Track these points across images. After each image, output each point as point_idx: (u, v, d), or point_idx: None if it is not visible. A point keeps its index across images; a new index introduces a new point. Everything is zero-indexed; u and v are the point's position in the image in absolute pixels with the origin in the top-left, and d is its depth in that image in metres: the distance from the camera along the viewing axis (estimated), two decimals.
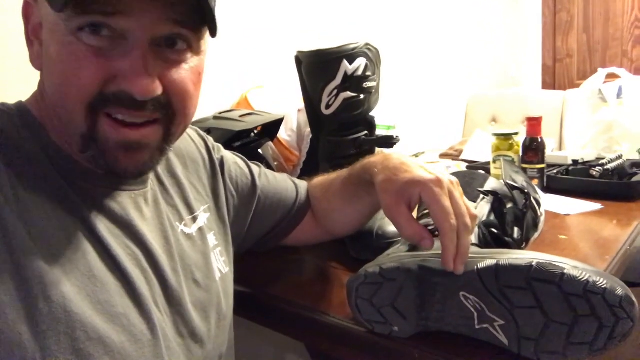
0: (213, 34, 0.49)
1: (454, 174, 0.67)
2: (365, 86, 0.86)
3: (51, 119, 0.48)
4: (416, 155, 1.79)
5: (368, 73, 0.86)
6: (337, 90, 0.86)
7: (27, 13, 0.49)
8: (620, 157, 1.20)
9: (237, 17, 1.35)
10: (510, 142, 1.17)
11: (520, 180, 0.77)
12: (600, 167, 1.15)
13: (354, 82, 0.85)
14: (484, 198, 0.68)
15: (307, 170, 1.02)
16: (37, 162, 0.46)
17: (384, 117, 1.17)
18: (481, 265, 0.51)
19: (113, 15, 0.43)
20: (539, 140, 1.15)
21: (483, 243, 0.61)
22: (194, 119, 0.98)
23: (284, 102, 1.14)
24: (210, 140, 0.72)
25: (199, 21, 0.47)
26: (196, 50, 0.50)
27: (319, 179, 0.79)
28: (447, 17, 2.42)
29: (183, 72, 0.48)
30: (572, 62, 3.12)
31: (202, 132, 0.72)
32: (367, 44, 0.87)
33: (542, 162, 1.15)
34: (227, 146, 0.79)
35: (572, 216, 0.97)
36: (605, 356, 0.49)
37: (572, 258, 0.49)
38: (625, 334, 0.46)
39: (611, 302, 0.45)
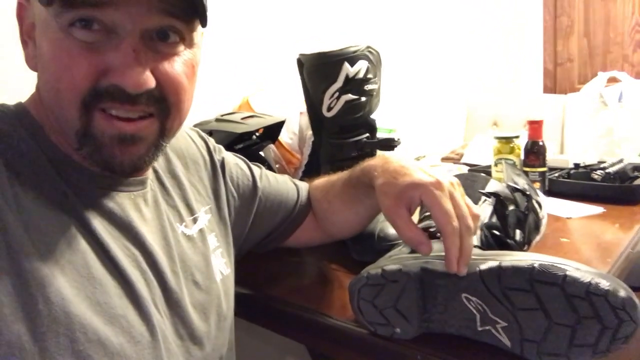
0: (203, 23, 0.48)
1: (455, 175, 0.67)
2: (367, 89, 0.86)
3: (49, 120, 0.48)
4: (417, 159, 1.79)
5: (369, 76, 0.86)
6: (339, 93, 0.86)
7: (21, 14, 0.49)
8: (621, 160, 1.20)
9: (239, 19, 1.36)
10: (512, 145, 1.17)
11: (521, 182, 0.77)
12: (601, 171, 1.14)
13: (355, 84, 0.85)
14: (485, 200, 0.68)
15: (309, 173, 1.02)
16: (37, 163, 0.46)
17: (385, 120, 1.18)
18: (483, 267, 0.51)
19: (101, 7, 0.43)
20: (540, 143, 1.15)
21: (485, 245, 0.61)
22: (196, 122, 0.99)
23: (286, 105, 1.14)
24: (211, 141, 0.72)
25: (189, 12, 0.47)
26: (189, 42, 0.50)
27: (320, 181, 0.79)
28: (448, 21, 2.43)
29: (176, 65, 0.48)
30: (573, 66, 3.12)
31: (203, 134, 0.72)
32: (368, 47, 0.87)
33: (544, 165, 1.15)
34: (229, 148, 0.79)
35: (573, 219, 0.97)
36: (608, 359, 0.49)
37: (575, 261, 0.49)
38: (628, 336, 0.45)
39: (614, 304, 0.45)
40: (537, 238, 0.75)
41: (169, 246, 0.55)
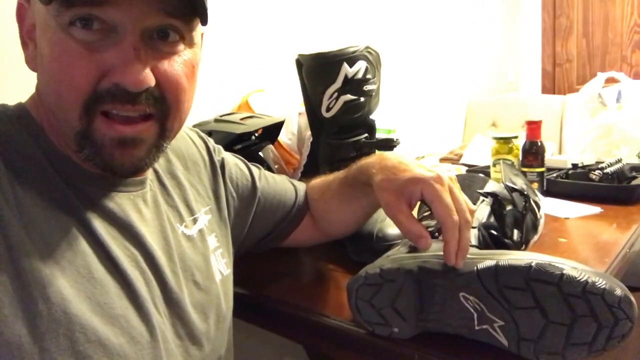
0: (204, 22, 0.49)
1: None
2: (366, 89, 0.87)
3: (49, 120, 0.49)
4: (416, 159, 1.79)
5: (368, 76, 0.86)
6: (338, 93, 0.86)
7: (21, 15, 0.49)
8: (619, 160, 1.21)
9: (238, 20, 1.36)
10: (510, 145, 1.18)
11: (519, 182, 0.77)
12: (599, 171, 1.15)
13: (354, 85, 0.86)
14: (483, 200, 0.68)
15: (308, 173, 1.02)
16: (37, 164, 0.46)
17: (384, 121, 1.18)
18: (481, 265, 0.51)
19: (101, 5, 0.43)
20: (539, 144, 1.15)
21: (483, 245, 0.61)
22: (195, 122, 1.00)
23: (285, 105, 1.14)
24: (211, 142, 0.72)
25: (189, 11, 0.47)
26: (189, 42, 0.50)
27: (317, 181, 0.79)
28: (447, 22, 2.43)
29: (176, 65, 0.48)
30: (572, 67, 3.13)
31: (203, 134, 0.72)
32: (367, 47, 0.87)
33: (542, 165, 1.15)
34: (228, 149, 0.80)
35: (571, 219, 0.97)
36: (605, 358, 0.49)
37: (572, 260, 0.49)
38: (624, 334, 0.46)
39: (610, 302, 0.45)
40: (535, 238, 0.75)
41: (169, 246, 0.55)
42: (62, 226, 0.45)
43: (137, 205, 0.53)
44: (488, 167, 1.23)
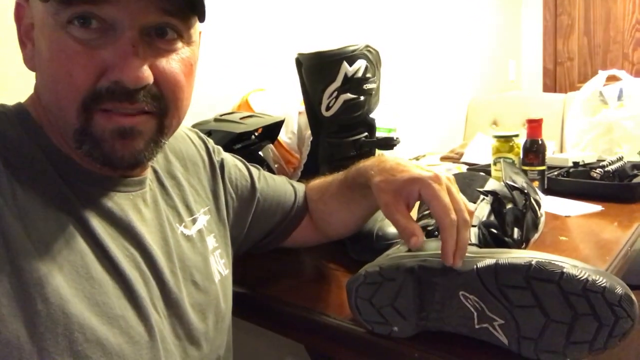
0: (201, 19, 0.49)
1: (454, 175, 0.67)
2: (366, 88, 0.87)
3: (48, 120, 0.49)
4: (417, 158, 1.79)
5: (368, 75, 0.86)
6: (337, 92, 0.86)
7: (19, 14, 0.49)
8: (620, 159, 1.20)
9: (238, 19, 1.36)
10: (511, 144, 1.17)
11: (520, 181, 0.77)
12: (600, 169, 1.15)
13: (354, 83, 0.85)
14: (483, 199, 0.68)
15: (308, 172, 1.02)
16: (36, 164, 0.46)
17: (384, 120, 1.18)
18: (480, 264, 0.51)
19: (99, 4, 0.43)
20: (540, 142, 1.15)
21: (483, 243, 0.61)
22: (195, 122, 1.00)
23: (285, 105, 1.14)
24: (210, 142, 0.72)
25: (187, 9, 0.47)
26: (187, 40, 0.50)
27: (316, 182, 0.79)
28: (447, 20, 2.43)
29: (173, 62, 0.48)
30: (573, 65, 3.12)
31: (202, 135, 0.72)
32: (367, 46, 0.87)
33: (543, 164, 1.15)
34: (228, 148, 0.80)
35: (572, 218, 0.97)
36: (606, 357, 0.49)
37: (573, 259, 0.49)
38: (624, 333, 0.45)
39: (610, 300, 0.45)
40: (536, 236, 0.75)
41: (168, 246, 0.55)
42: (61, 225, 0.45)
43: (136, 205, 0.53)
44: (489, 165, 1.22)
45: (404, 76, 2.09)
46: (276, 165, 1.06)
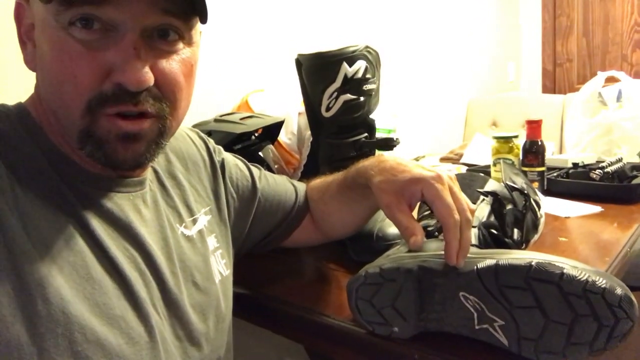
0: (203, 20, 0.49)
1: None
2: (365, 89, 0.87)
3: (49, 120, 0.49)
4: (416, 159, 1.80)
5: (368, 75, 0.86)
6: (337, 93, 0.86)
7: (19, 14, 0.49)
8: (620, 160, 1.20)
9: (238, 20, 1.36)
10: (510, 145, 1.17)
11: (520, 182, 0.77)
12: (600, 170, 1.15)
13: (353, 84, 0.85)
14: (483, 199, 0.68)
15: (308, 173, 1.02)
16: (36, 164, 0.46)
17: (384, 121, 1.18)
18: (481, 265, 0.51)
19: (101, 5, 0.43)
20: (539, 143, 1.15)
21: (483, 244, 0.61)
22: (195, 122, 1.00)
23: (285, 105, 1.14)
24: (211, 142, 0.72)
25: (189, 10, 0.47)
26: (188, 40, 0.50)
27: (317, 182, 0.79)
28: (447, 21, 2.43)
29: (173, 63, 0.48)
30: (572, 66, 3.12)
31: (203, 135, 0.72)
32: (366, 47, 0.87)
33: (542, 165, 1.15)
34: (228, 149, 0.79)
35: (572, 219, 0.97)
36: (607, 358, 0.49)
37: (572, 260, 0.49)
38: (625, 333, 0.46)
39: (610, 301, 0.45)
40: (535, 237, 0.75)
41: (168, 247, 0.55)
42: (61, 226, 0.45)
43: (136, 205, 0.53)
44: (488, 166, 1.22)
45: (403, 77, 2.09)
46: (276, 166, 1.06)
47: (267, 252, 0.80)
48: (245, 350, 0.86)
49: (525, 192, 0.71)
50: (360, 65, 0.85)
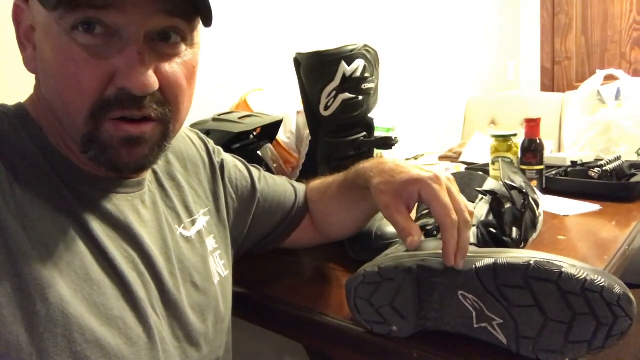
0: (207, 23, 0.48)
1: (453, 174, 0.67)
2: (364, 87, 0.87)
3: (49, 121, 0.48)
4: (415, 158, 1.80)
5: (366, 74, 0.86)
6: (336, 92, 0.86)
7: (18, 16, 0.49)
8: (618, 158, 1.20)
9: (237, 19, 1.36)
10: (509, 143, 1.17)
11: (518, 180, 0.77)
12: (599, 169, 1.15)
13: (352, 83, 0.85)
14: (482, 198, 0.68)
15: (306, 172, 1.02)
16: (35, 164, 0.46)
17: (383, 120, 1.18)
18: (479, 264, 0.51)
19: (105, 9, 0.43)
20: (538, 141, 1.15)
21: (481, 243, 0.61)
22: (193, 121, 0.99)
23: (283, 104, 1.14)
24: (211, 143, 0.72)
25: (191, 11, 0.47)
26: (190, 42, 0.50)
27: (317, 183, 0.79)
28: (445, 20, 2.43)
29: (176, 66, 0.48)
30: (571, 65, 3.12)
31: (203, 135, 0.72)
32: (365, 46, 0.87)
33: (541, 163, 1.15)
34: (226, 148, 0.79)
35: (570, 217, 0.97)
36: (606, 356, 0.49)
37: (571, 258, 0.49)
38: (623, 332, 0.46)
39: (609, 300, 0.45)
40: (534, 236, 0.75)
41: (167, 248, 0.55)
42: (60, 227, 0.45)
43: (135, 206, 0.53)
44: (487, 165, 1.22)
45: (402, 76, 2.09)
46: (275, 165, 1.06)
47: (267, 252, 0.80)
48: (245, 350, 0.86)
49: (524, 190, 0.71)
50: (359, 64, 0.85)
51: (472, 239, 0.60)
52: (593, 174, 1.15)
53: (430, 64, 2.31)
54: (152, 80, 0.45)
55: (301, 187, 0.80)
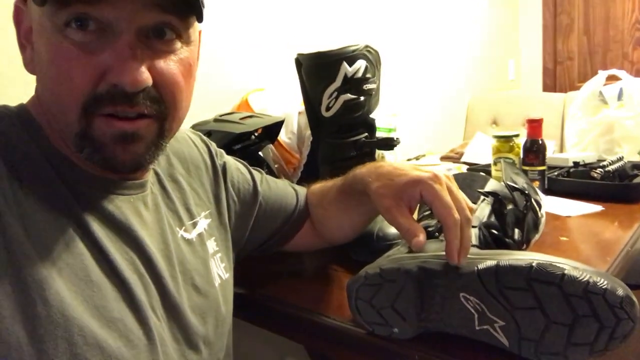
0: (199, 19, 0.48)
1: (454, 175, 0.67)
2: (365, 88, 0.86)
3: (49, 122, 0.48)
4: (417, 158, 1.79)
5: (368, 75, 0.86)
6: (337, 93, 0.86)
7: (18, 18, 0.49)
8: (621, 158, 1.20)
9: (238, 19, 1.36)
10: (511, 144, 1.17)
11: (520, 181, 0.77)
12: (601, 169, 1.14)
13: (354, 84, 0.85)
14: (484, 199, 0.68)
15: (308, 173, 1.02)
16: (37, 166, 0.46)
17: (384, 120, 1.18)
18: (481, 266, 0.51)
19: (96, 4, 0.43)
20: (540, 142, 1.15)
21: (483, 244, 0.61)
22: (194, 122, 0.99)
23: (285, 105, 1.14)
24: (213, 145, 0.72)
25: (185, 7, 0.47)
26: (186, 39, 0.49)
27: (317, 186, 0.79)
28: (447, 20, 2.43)
29: (172, 63, 0.48)
30: (573, 65, 3.12)
31: (205, 138, 0.72)
32: (367, 46, 0.87)
33: (543, 164, 1.15)
34: (228, 149, 0.79)
35: (573, 218, 0.97)
36: (608, 358, 0.49)
37: (573, 260, 0.48)
38: (626, 334, 0.45)
39: (612, 302, 0.45)
40: (536, 237, 0.75)
41: (168, 250, 0.55)
42: (61, 228, 0.45)
43: (137, 208, 0.53)
44: (489, 165, 1.22)
45: (404, 76, 2.09)
46: (276, 166, 1.06)
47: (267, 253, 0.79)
48: (245, 351, 0.85)
49: (526, 191, 0.71)
50: (361, 64, 0.85)
51: (474, 241, 0.59)
52: (595, 175, 1.14)
53: (431, 64, 2.31)
54: (145, 76, 0.45)
55: (302, 191, 0.80)
